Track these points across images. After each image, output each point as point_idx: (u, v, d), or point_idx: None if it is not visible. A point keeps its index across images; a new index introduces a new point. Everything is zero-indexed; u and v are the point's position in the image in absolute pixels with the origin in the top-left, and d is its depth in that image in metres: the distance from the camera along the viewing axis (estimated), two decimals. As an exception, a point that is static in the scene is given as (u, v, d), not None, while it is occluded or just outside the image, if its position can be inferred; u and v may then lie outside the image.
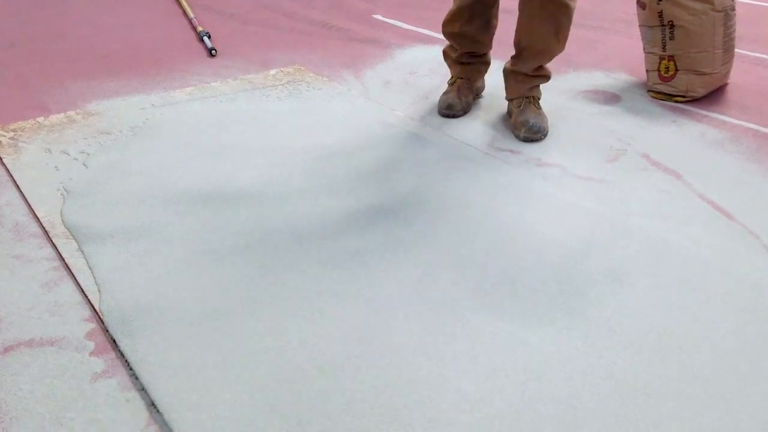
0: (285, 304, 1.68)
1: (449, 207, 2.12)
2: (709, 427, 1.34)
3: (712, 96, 3.04)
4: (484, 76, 2.94)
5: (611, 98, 3.04)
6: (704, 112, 2.88)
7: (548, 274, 1.79)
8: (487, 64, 2.89)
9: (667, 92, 3.00)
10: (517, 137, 2.62)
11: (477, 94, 2.95)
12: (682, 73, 2.94)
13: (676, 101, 2.98)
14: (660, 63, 2.98)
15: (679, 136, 2.67)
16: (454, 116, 2.80)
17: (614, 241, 1.94)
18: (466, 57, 2.81)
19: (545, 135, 2.63)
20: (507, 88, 2.75)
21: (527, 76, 2.66)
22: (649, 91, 3.06)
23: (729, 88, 3.13)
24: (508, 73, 2.72)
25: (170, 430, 1.35)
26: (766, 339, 1.57)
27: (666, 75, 2.98)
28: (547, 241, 1.93)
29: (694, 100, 2.98)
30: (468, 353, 1.53)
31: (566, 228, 2.00)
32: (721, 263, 1.84)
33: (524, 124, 2.61)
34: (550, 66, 2.68)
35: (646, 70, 3.07)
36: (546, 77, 2.70)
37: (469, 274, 1.79)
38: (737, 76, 3.21)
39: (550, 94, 3.07)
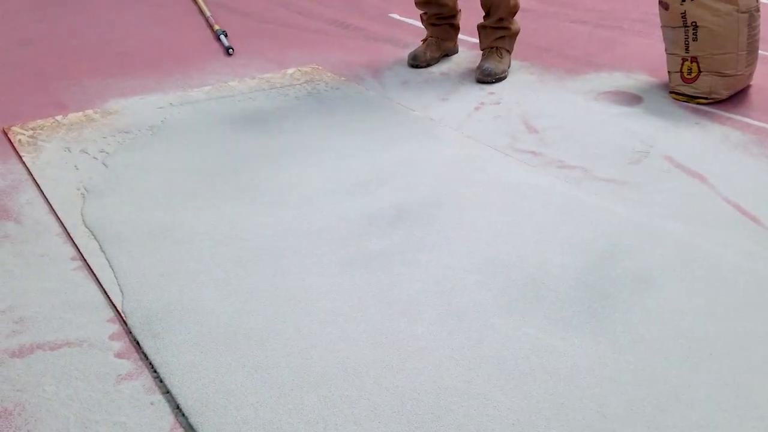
0: (308, 308, 1.67)
1: (471, 208, 2.10)
2: (742, 437, 1.33)
3: (736, 98, 3.00)
4: (455, 39, 3.49)
5: (632, 100, 3.01)
6: (727, 114, 2.85)
7: (574, 279, 1.77)
8: (456, 28, 3.45)
9: (690, 94, 2.97)
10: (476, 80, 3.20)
11: (447, 53, 3.49)
12: (705, 75, 2.91)
13: (698, 103, 2.95)
14: (683, 64, 2.94)
15: (702, 138, 2.64)
16: (418, 66, 3.36)
17: (640, 245, 1.91)
18: (435, 19, 3.37)
19: (496, 79, 3.18)
20: (479, 42, 3.33)
21: (492, 28, 3.23)
22: (671, 92, 3.03)
23: (753, 90, 3.09)
24: (479, 29, 3.31)
25: (196, 434, 1.35)
26: (797, 347, 1.54)
27: (689, 76, 2.95)
28: (572, 245, 1.91)
29: (717, 102, 2.95)
30: (494, 358, 1.51)
31: (591, 231, 1.98)
32: (749, 268, 1.82)
33: (480, 68, 3.20)
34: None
35: (668, 72, 3.03)
36: (507, 29, 3.23)
37: (493, 277, 1.78)
38: (761, 78, 3.17)
39: (570, 94, 3.04)
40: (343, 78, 3.23)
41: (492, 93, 3.08)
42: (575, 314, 1.65)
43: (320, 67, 3.36)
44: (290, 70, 3.32)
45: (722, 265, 1.83)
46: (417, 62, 3.35)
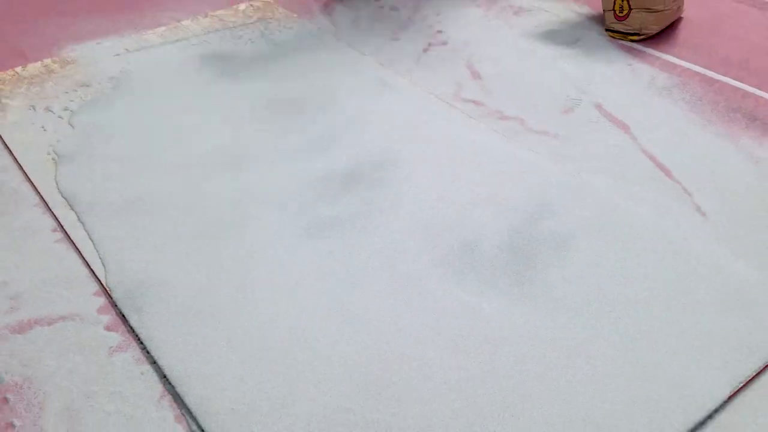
0: (272, 279, 1.91)
1: (417, 168, 2.31)
2: (637, 391, 1.64)
3: (667, 33, 3.19)
4: None
5: (571, 39, 3.17)
6: (657, 53, 3.04)
7: (505, 242, 2.03)
8: None
9: (623, 31, 3.15)
10: None
11: None
12: (635, 12, 3.08)
13: (631, 40, 3.13)
14: (614, 2, 3.10)
15: (631, 82, 2.85)
16: None
17: (565, 204, 2.17)
18: None
19: None
20: None
21: None
22: (606, 30, 3.20)
23: (683, 24, 3.28)
24: None
25: (182, 401, 1.61)
26: (687, 305, 1.84)
27: (621, 14, 3.11)
28: (505, 206, 2.16)
29: (650, 38, 3.14)
30: (432, 326, 1.78)
31: (523, 190, 2.22)
32: (656, 225, 2.09)
33: None
34: None
35: (603, 10, 3.19)
36: None
37: (433, 243, 2.03)
38: (692, 11, 3.35)
39: (514, 34, 3.19)
40: (294, 15, 3.31)
41: (440, 32, 3.21)
42: (502, 277, 1.92)
43: (272, 1, 3.42)
44: (242, 6, 3.38)
45: (634, 223, 2.10)
46: None
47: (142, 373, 1.69)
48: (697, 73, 2.90)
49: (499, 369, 1.68)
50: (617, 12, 3.12)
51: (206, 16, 3.29)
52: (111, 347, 1.75)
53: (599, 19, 3.33)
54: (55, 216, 2.13)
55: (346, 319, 1.80)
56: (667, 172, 2.34)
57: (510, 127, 2.56)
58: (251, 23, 3.22)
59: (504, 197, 2.20)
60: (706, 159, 2.39)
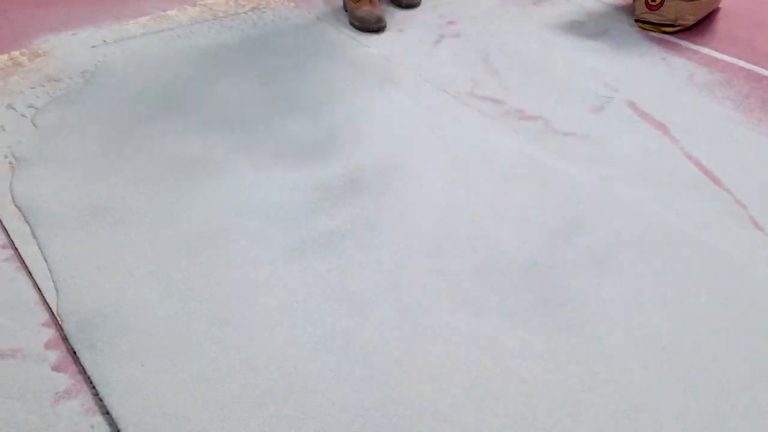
0: (253, 306, 1.60)
1: (426, 176, 2.01)
2: (690, 448, 1.33)
3: (703, 25, 2.87)
4: None
5: (598, 31, 2.86)
6: (694, 47, 2.73)
7: (528, 262, 1.72)
8: None
9: (655, 21, 2.83)
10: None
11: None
12: (669, 1, 2.77)
13: (664, 32, 2.82)
14: (648, -9, 2.80)
15: (667, 78, 2.53)
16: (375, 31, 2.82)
17: (598, 218, 1.86)
18: None
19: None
20: None
21: None
22: (636, 20, 2.89)
23: (720, 15, 2.96)
24: None
25: (139, 463, 1.31)
26: (751, 341, 1.53)
27: (653, 3, 2.80)
28: (529, 222, 1.85)
29: (685, 30, 2.83)
30: (445, 364, 1.47)
31: (549, 203, 1.91)
32: (708, 242, 1.78)
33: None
34: None
35: (633, 0, 2.88)
36: None
37: (446, 264, 1.72)
38: (728, 2, 3.04)
39: (533, 25, 2.89)
40: (292, 4, 3.01)
41: (451, 22, 2.90)
42: (529, 308, 1.61)
43: (267, -10, 3.12)
44: (235, -5, 3.08)
45: (680, 240, 1.79)
46: (382, 24, 2.81)
47: (92, 426, 1.38)
48: (742, 68, 2.58)
49: (528, 419, 1.36)
50: (649, 1, 2.80)
51: (195, 5, 2.99)
52: (57, 393, 1.44)
53: (628, 10, 3.02)
54: (5, 229, 1.83)
55: (344, 356, 1.49)
56: (715, 180, 2.03)
57: (533, 128, 2.25)
58: (243, 13, 2.92)
59: (527, 210, 1.88)
60: (759, 164, 2.07)
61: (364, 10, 2.75)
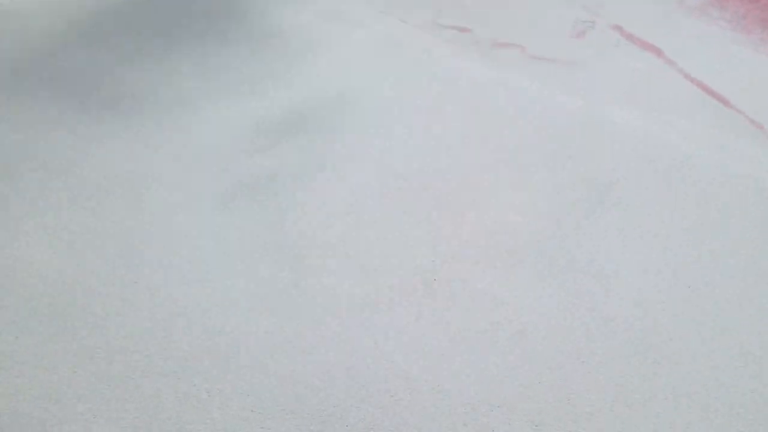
0: (170, 263, 1.26)
1: (384, 110, 1.68)
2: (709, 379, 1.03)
3: (687, -50, 2.59)
4: None
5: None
6: (680, -29, 2.44)
7: (522, 204, 1.41)
8: None
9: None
10: None
11: None
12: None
13: (645, -42, 2.53)
14: None
15: (654, 1, 2.24)
16: None
17: (594, 147, 1.55)
18: None
19: None
20: None
21: None
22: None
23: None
24: None
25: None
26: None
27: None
28: (514, 156, 1.53)
29: (666, -44, 2.53)
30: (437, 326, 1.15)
31: (537, 135, 1.60)
32: (728, 165, 1.48)
33: None
34: None
35: None
36: None
37: (410, 206, 1.39)
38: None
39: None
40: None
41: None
42: (525, 256, 1.29)
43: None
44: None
45: (699, 166, 1.49)
46: None
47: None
48: (735, -11, 2.30)
49: (534, 357, 1.05)
50: None
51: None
52: None
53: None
54: None
55: (286, 318, 1.15)
56: (723, 100, 1.73)
57: (508, 56, 1.93)
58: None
59: (511, 142, 1.57)
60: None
61: None
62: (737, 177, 1.46)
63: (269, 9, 2.15)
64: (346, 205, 1.39)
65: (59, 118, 1.65)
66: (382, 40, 1.98)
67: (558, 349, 1.09)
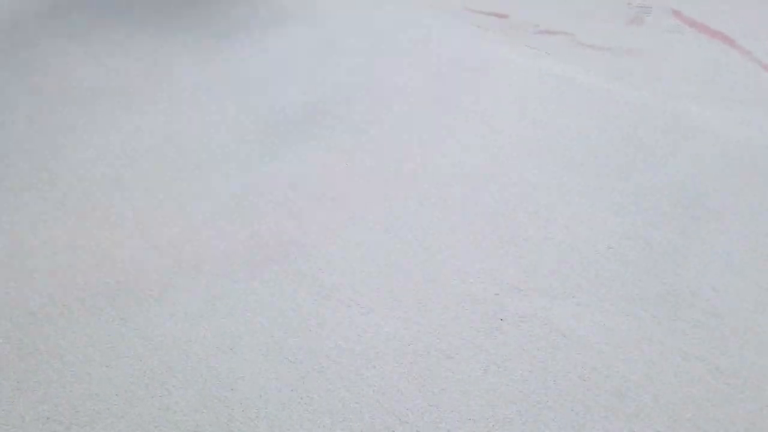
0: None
1: (407, 103, 1.41)
2: None
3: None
4: None
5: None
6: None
7: (591, 214, 1.13)
8: None
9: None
10: None
11: None
12: None
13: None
14: None
15: (713, -16, 1.97)
16: None
17: (675, 151, 1.28)
18: None
19: None
20: None
21: None
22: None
23: None
24: None
25: None
26: None
27: None
28: (574, 159, 1.26)
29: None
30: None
31: (602, 135, 1.33)
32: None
33: None
34: None
35: None
36: None
37: (459, 216, 1.12)
38: None
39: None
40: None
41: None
42: (607, 291, 1.02)
43: None
44: None
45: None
46: None
47: None
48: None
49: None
50: None
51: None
52: None
53: None
54: None
55: (301, 354, 0.88)
56: (815, 96, 1.46)
57: (554, 44, 1.67)
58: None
59: (573, 144, 1.30)
60: None
61: None
62: None
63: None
64: (378, 215, 1.12)
65: (42, 108, 1.38)
66: (406, 23, 1.72)
67: (670, 416, 0.82)
